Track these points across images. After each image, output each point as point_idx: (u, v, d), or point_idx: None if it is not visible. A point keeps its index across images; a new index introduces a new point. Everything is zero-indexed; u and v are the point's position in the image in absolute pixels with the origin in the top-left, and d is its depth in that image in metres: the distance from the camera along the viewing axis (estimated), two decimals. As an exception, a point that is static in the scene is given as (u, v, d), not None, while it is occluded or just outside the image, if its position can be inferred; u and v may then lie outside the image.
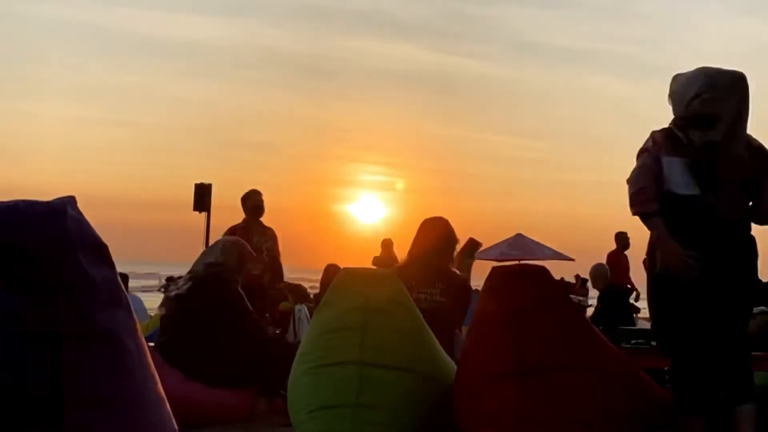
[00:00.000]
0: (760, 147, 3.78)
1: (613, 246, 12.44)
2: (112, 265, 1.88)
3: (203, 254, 5.79)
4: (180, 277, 5.87)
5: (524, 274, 4.04)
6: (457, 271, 5.53)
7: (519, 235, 22.86)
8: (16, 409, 1.64)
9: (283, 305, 8.15)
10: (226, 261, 5.63)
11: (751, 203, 3.78)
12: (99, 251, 1.85)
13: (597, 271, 8.57)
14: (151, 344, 5.39)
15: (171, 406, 1.97)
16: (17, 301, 1.70)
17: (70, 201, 1.84)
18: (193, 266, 5.65)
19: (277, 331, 6.47)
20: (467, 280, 6.67)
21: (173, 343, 5.32)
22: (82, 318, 1.75)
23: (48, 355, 1.69)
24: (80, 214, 1.83)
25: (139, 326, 1.94)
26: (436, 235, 5.21)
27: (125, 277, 11.61)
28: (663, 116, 3.83)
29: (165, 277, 6.11)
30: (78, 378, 1.71)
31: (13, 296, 1.70)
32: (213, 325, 5.34)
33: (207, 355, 5.24)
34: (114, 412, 1.76)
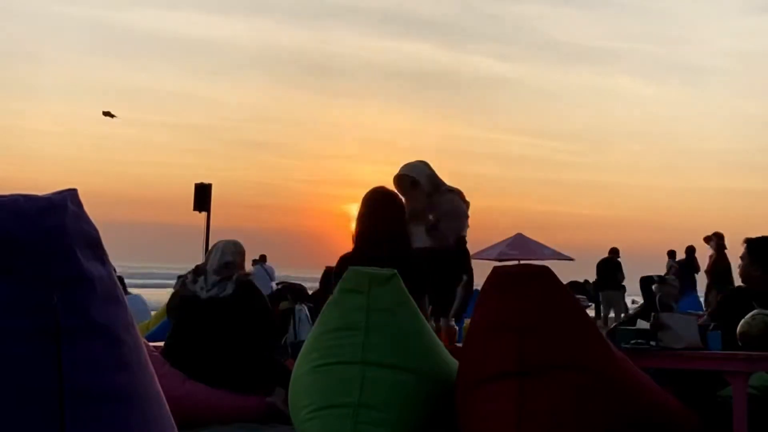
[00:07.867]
0: None
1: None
2: (108, 262, 1.88)
3: (224, 254, 5.50)
4: (182, 277, 5.74)
5: (526, 274, 4.03)
6: None
7: (519, 235, 22.95)
8: (14, 405, 1.64)
9: (283, 305, 8.17)
10: (241, 264, 5.56)
11: None
12: (96, 247, 1.85)
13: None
14: (152, 344, 5.38)
15: (172, 406, 1.96)
16: (14, 295, 1.70)
17: (71, 194, 1.84)
18: (216, 266, 5.43)
19: None
20: None
21: (195, 346, 5.26)
22: (80, 312, 1.76)
23: (46, 350, 1.69)
24: (80, 207, 1.83)
25: (135, 323, 1.94)
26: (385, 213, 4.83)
27: (120, 280, 11.60)
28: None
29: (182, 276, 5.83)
30: (76, 372, 1.71)
31: (10, 290, 1.70)
32: (248, 330, 5.32)
33: (230, 359, 5.22)
34: (113, 407, 1.75)
